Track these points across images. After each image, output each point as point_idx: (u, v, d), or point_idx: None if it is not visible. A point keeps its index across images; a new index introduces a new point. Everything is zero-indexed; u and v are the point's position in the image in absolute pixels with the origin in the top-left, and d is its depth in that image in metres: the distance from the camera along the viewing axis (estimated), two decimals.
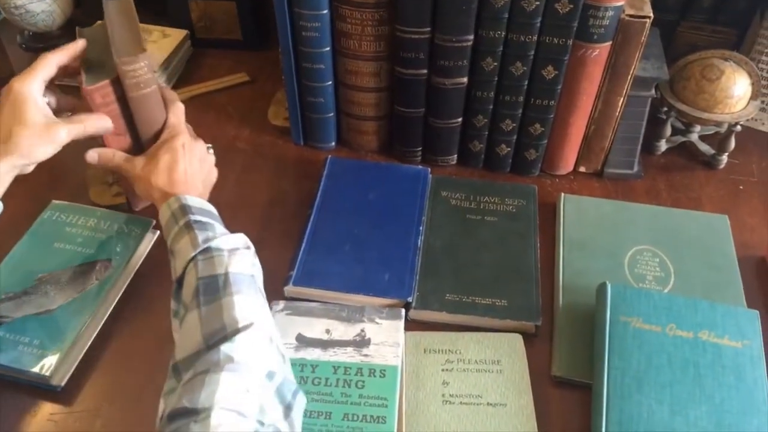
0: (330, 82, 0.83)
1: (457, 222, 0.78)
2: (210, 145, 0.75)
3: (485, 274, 0.73)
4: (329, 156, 0.86)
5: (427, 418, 0.61)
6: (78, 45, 0.68)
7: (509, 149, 0.85)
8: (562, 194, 0.82)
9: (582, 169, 0.87)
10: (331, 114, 0.87)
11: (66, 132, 0.63)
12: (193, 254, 0.58)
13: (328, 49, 0.79)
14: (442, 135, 0.84)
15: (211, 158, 0.75)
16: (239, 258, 0.59)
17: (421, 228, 0.77)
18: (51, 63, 0.65)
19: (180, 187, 0.66)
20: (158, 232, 0.76)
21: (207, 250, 0.59)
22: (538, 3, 0.69)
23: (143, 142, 0.72)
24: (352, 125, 0.88)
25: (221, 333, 0.52)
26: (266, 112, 0.95)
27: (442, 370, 0.65)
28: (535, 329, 0.69)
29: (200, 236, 0.60)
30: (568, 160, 0.86)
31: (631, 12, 0.71)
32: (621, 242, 0.76)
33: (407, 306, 0.70)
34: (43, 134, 0.62)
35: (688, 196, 0.85)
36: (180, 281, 0.59)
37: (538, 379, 0.65)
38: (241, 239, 0.62)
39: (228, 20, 1.05)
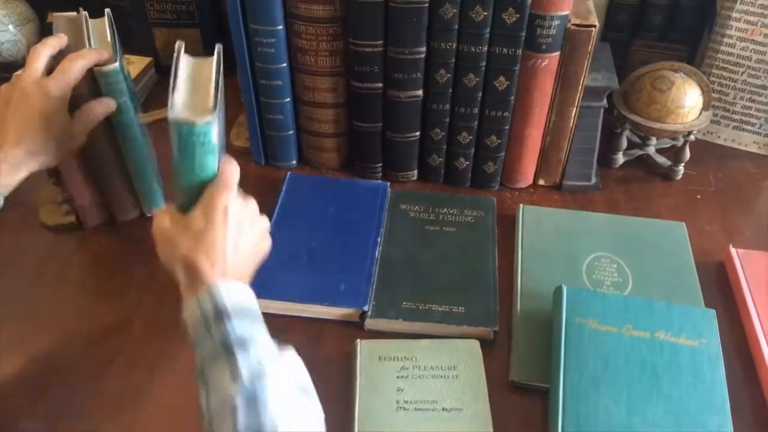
0: (288, 99, 0.83)
1: (416, 233, 0.78)
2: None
3: (443, 282, 0.72)
4: (289, 173, 0.86)
5: (381, 425, 0.59)
6: (104, 54, 0.67)
7: (468, 163, 0.85)
8: (521, 205, 0.82)
9: (541, 182, 0.87)
10: (291, 132, 0.87)
11: (83, 136, 0.67)
12: (231, 393, 0.45)
13: (284, 65, 0.80)
14: (400, 149, 0.85)
15: (263, 224, 0.58)
16: (290, 408, 0.47)
17: (379, 239, 0.76)
18: (82, 69, 0.65)
19: (211, 266, 0.50)
20: None
21: (251, 388, 0.45)
22: (485, 13, 0.71)
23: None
24: (312, 143, 0.88)
25: None
26: (229, 134, 0.95)
27: (397, 377, 0.63)
28: (493, 336, 0.68)
29: (243, 365, 0.46)
30: (527, 173, 0.86)
31: (577, 21, 0.72)
32: (579, 250, 0.76)
33: (363, 315, 0.68)
34: (67, 142, 0.65)
35: (647, 206, 0.85)
36: (209, 422, 0.46)
37: (496, 385, 0.64)
38: (291, 367, 0.49)
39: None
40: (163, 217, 0.55)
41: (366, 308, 0.69)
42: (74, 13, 0.72)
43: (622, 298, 0.68)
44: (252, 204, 0.57)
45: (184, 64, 0.56)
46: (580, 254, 0.76)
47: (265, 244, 0.58)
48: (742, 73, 0.88)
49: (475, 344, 0.66)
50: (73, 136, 0.66)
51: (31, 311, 0.70)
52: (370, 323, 0.69)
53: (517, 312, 0.70)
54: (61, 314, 0.70)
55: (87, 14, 0.73)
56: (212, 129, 0.52)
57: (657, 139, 0.91)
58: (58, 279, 0.74)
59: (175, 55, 0.56)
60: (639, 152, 0.91)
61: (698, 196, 0.87)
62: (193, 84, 0.55)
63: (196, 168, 0.53)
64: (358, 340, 0.66)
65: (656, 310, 0.65)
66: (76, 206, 0.77)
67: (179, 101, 0.53)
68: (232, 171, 0.55)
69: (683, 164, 0.88)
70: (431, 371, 0.64)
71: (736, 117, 0.92)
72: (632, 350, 0.62)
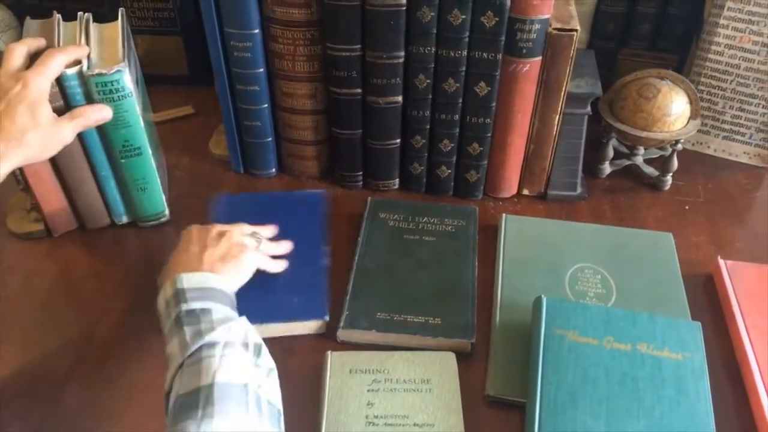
0: (266, 105, 0.82)
1: (394, 242, 0.76)
2: (256, 231, 0.69)
3: (420, 292, 0.70)
4: (220, 194, 0.82)
5: None
6: (84, 50, 0.67)
7: (450, 171, 0.83)
8: (504, 214, 0.80)
9: (526, 192, 0.85)
10: (270, 139, 0.85)
11: (71, 131, 0.64)
12: (180, 361, 0.49)
13: (261, 70, 0.78)
14: (381, 157, 0.83)
15: (231, 236, 0.65)
16: (232, 360, 0.49)
17: (324, 248, 0.74)
18: (61, 63, 0.64)
19: (182, 266, 0.59)
20: None
21: (197, 351, 0.50)
22: (464, 17, 0.69)
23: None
24: (291, 150, 0.86)
25: None
26: (208, 142, 0.93)
27: (368, 390, 0.60)
28: (471, 348, 0.65)
29: (189, 334, 0.51)
30: (510, 183, 0.84)
31: (558, 26, 0.71)
32: (562, 260, 0.74)
33: (327, 326, 0.66)
34: (52, 136, 0.62)
35: (633, 216, 0.83)
36: (167, 397, 0.50)
37: (472, 398, 0.61)
38: (238, 330, 0.52)
39: (175, 55, 1.05)
40: None
41: (327, 318, 0.66)
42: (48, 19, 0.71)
43: (603, 309, 0.65)
44: (215, 227, 0.66)
45: (94, 30, 0.70)
46: (563, 265, 0.73)
47: (239, 250, 0.64)
48: (731, 81, 0.86)
49: (451, 356, 0.63)
50: (59, 132, 0.63)
51: None
52: (342, 334, 0.66)
53: (496, 323, 0.68)
54: (24, 324, 0.68)
55: (60, 17, 0.72)
56: (124, 76, 0.66)
57: (644, 149, 0.89)
58: (24, 287, 0.72)
59: (83, 25, 0.70)
60: (626, 162, 0.89)
61: (686, 207, 0.85)
62: (104, 45, 0.69)
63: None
64: (329, 352, 0.63)
65: (639, 321, 0.62)
66: (44, 213, 0.75)
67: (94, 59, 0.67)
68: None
69: (671, 174, 0.86)
70: (404, 384, 0.61)
71: (726, 127, 0.90)
72: (613, 363, 0.59)
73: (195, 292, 0.55)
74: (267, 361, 0.53)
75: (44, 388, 0.62)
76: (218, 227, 0.66)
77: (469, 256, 0.74)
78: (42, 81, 0.61)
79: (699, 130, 0.91)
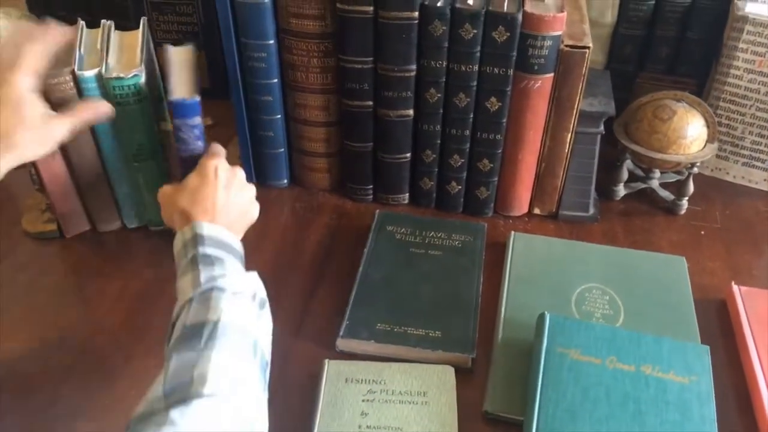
0: (279, 116, 0.82)
1: (400, 255, 0.75)
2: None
3: (422, 305, 0.69)
4: None
5: None
6: (65, 31, 0.62)
7: (460, 187, 0.83)
8: (513, 232, 0.79)
9: (537, 211, 0.84)
10: (282, 149, 0.86)
11: (63, 129, 0.60)
12: (191, 295, 0.52)
13: (275, 80, 0.79)
14: (391, 171, 0.83)
15: (251, 191, 0.66)
16: (239, 306, 0.52)
17: None
18: (38, 53, 0.59)
19: (202, 213, 0.59)
20: None
21: (208, 290, 0.52)
22: (475, 31, 0.70)
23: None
24: (303, 162, 0.87)
25: (183, 391, 0.44)
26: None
27: (363, 400, 0.59)
28: (471, 363, 0.64)
29: (203, 275, 0.53)
30: (521, 201, 0.83)
31: (571, 43, 0.70)
32: (570, 280, 0.73)
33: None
34: (42, 133, 0.59)
35: (647, 240, 0.81)
36: (173, 326, 0.52)
37: (469, 414, 0.60)
38: (251, 283, 0.55)
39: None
40: (166, 186, 0.64)
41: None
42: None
43: (608, 328, 0.64)
44: (240, 172, 0.65)
45: (115, 37, 0.72)
46: (570, 284, 0.72)
47: (253, 209, 0.65)
48: (750, 106, 0.85)
49: (450, 370, 0.62)
50: (51, 129, 0.60)
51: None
52: (341, 344, 0.66)
53: (498, 340, 0.66)
54: (28, 320, 0.69)
55: (84, 24, 0.74)
56: (140, 80, 0.68)
57: (661, 173, 0.88)
58: (32, 285, 0.73)
59: (106, 31, 0.71)
60: (642, 185, 0.88)
61: (702, 232, 0.83)
62: (123, 51, 0.71)
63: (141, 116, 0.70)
64: (326, 360, 0.63)
65: (644, 343, 0.61)
66: (57, 214, 0.76)
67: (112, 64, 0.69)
68: (218, 146, 0.67)
69: (687, 198, 0.84)
70: (399, 396, 0.60)
71: (746, 153, 0.88)
72: (615, 383, 0.58)
73: (213, 241, 0.57)
74: (267, 316, 0.55)
75: (42, 384, 0.63)
76: (243, 173, 0.65)
77: (475, 272, 0.73)
78: (21, 77, 0.57)
79: (718, 156, 0.90)
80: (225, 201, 0.61)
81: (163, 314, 0.69)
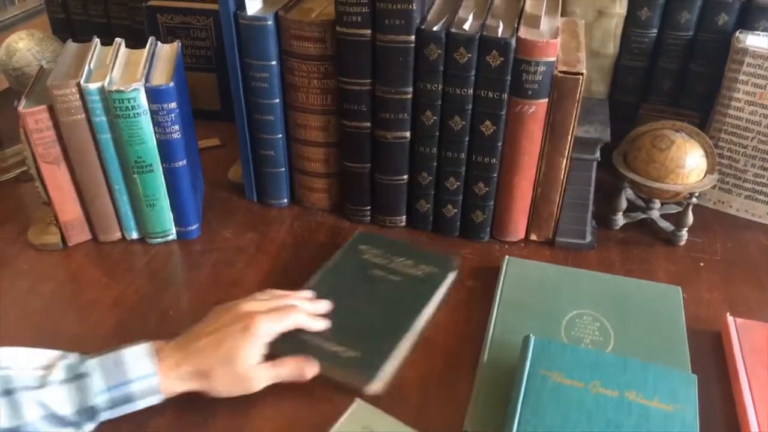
0: (280, 135, 0.84)
1: (357, 274, 0.74)
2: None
3: (352, 325, 0.67)
4: None
5: None
6: (318, 326, 0.65)
7: (456, 210, 0.83)
8: (507, 256, 0.79)
9: (533, 237, 0.84)
10: (283, 169, 0.87)
11: (264, 382, 0.60)
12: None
13: (277, 100, 0.81)
14: (389, 193, 0.84)
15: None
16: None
17: None
18: (297, 324, 0.63)
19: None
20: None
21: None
22: (469, 55, 0.71)
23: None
24: (303, 182, 0.88)
25: None
26: (228, 169, 0.96)
27: None
28: (372, 391, 0.62)
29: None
30: (518, 226, 0.83)
31: (565, 69, 0.71)
32: (561, 305, 0.72)
33: None
34: (241, 380, 0.59)
35: (643, 269, 0.80)
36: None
37: None
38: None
39: (209, 91, 1.11)
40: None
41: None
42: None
43: (594, 352, 0.63)
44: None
45: (122, 54, 0.78)
46: (561, 310, 0.71)
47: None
48: (752, 138, 0.84)
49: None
50: (250, 380, 0.59)
51: None
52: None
53: (483, 361, 0.66)
54: (23, 326, 0.70)
55: (99, 41, 0.78)
56: (140, 94, 0.71)
57: (661, 204, 0.87)
58: (30, 292, 0.75)
59: (116, 49, 0.78)
60: (642, 216, 0.87)
61: (701, 264, 0.82)
62: (128, 67, 0.76)
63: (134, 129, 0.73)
64: None
65: (630, 368, 0.60)
66: (60, 223, 0.78)
67: (116, 77, 0.73)
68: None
69: (686, 229, 0.83)
70: None
71: (748, 186, 0.87)
72: (597, 408, 0.57)
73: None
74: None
75: None
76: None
77: (424, 303, 0.71)
78: (266, 329, 0.60)
79: (721, 188, 0.89)
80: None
81: (155, 325, 0.71)
